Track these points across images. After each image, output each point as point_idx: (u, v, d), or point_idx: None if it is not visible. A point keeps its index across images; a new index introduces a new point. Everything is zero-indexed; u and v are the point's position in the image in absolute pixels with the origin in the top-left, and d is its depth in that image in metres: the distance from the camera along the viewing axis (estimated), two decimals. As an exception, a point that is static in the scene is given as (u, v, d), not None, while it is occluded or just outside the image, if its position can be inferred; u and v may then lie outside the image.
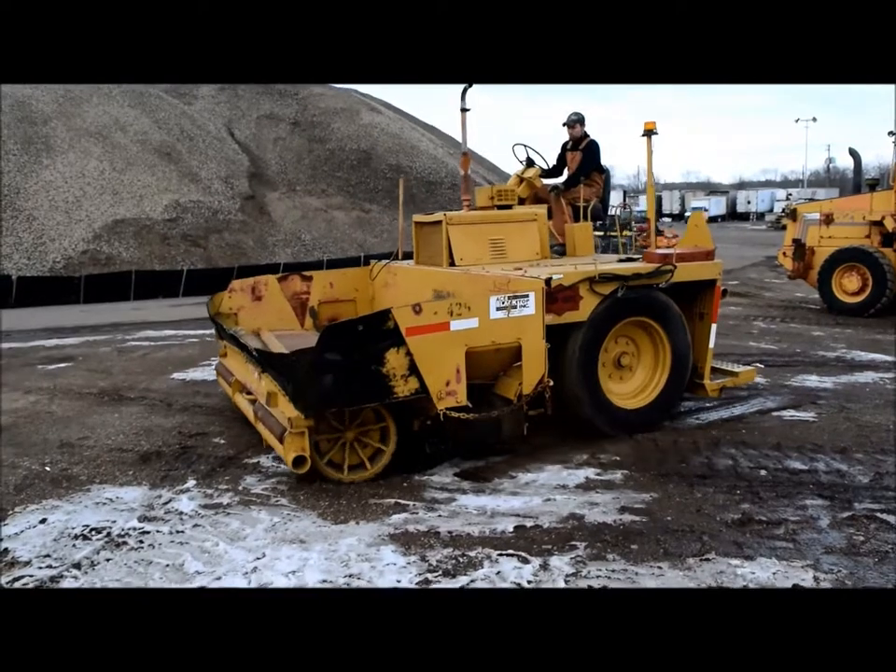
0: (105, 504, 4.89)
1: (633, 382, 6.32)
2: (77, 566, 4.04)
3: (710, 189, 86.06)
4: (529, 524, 4.45)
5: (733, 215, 70.08)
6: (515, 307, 5.34)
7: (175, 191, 24.63)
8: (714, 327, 6.50)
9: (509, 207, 7.13)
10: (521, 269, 6.08)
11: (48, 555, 4.18)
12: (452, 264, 6.60)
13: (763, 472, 5.23)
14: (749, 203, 70.44)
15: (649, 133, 6.64)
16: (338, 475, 5.16)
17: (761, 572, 3.79)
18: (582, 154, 7.68)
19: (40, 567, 4.04)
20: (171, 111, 28.63)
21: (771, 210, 64.74)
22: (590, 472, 5.30)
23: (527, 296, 5.38)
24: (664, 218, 63.16)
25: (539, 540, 4.22)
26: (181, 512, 4.71)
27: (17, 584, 3.84)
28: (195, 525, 4.52)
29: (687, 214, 68.21)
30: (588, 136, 7.74)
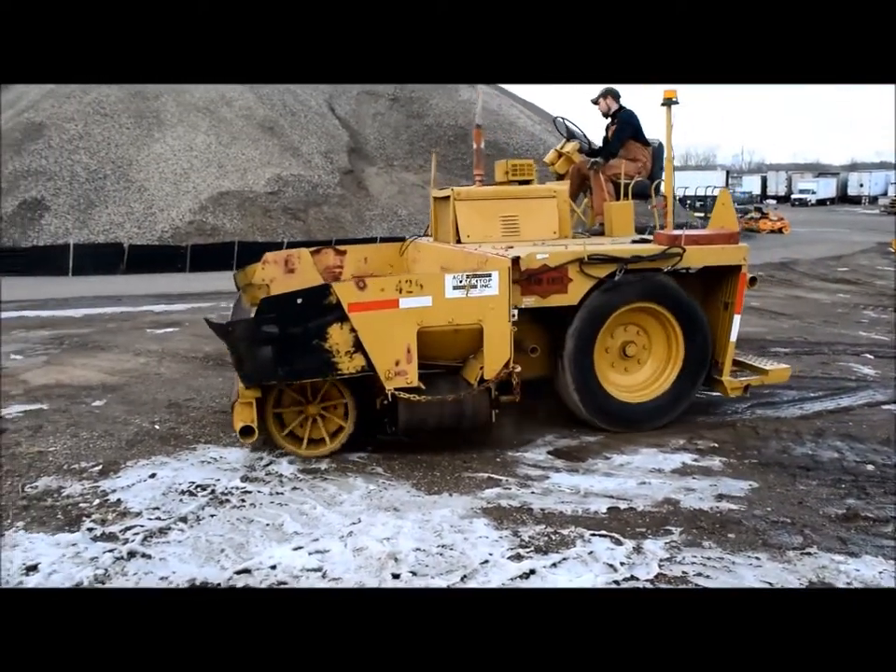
0: (209, 463, 5.11)
1: (641, 374, 5.90)
2: (184, 519, 4.24)
3: (819, 170, 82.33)
4: (623, 506, 4.41)
5: (843, 198, 66.90)
6: (475, 286, 5.05)
7: (277, 165, 25.20)
8: (738, 318, 5.85)
9: (526, 183, 6.75)
10: (511, 247, 5.72)
11: (156, 508, 4.41)
12: (459, 241, 6.32)
13: (870, 467, 5.01)
14: (861, 185, 67.07)
15: (668, 102, 6.19)
16: (296, 448, 5.19)
17: (866, 570, 3.65)
18: (616, 124, 7.06)
19: (150, 519, 4.26)
20: (275, 87, 29.23)
21: (885, 194, 61.51)
22: (686, 458, 5.20)
23: (490, 275, 5.09)
24: (768, 201, 60.79)
25: (633, 523, 4.18)
26: (281, 475, 4.88)
27: (128, 533, 4.06)
28: (294, 488, 4.67)
29: (794, 196, 65.69)
30: (622, 108, 7.08)
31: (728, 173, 64.39)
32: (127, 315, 12.18)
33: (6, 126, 25.30)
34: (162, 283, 17.36)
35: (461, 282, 5.03)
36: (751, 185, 69.23)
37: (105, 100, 25.69)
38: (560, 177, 7.23)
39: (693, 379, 5.83)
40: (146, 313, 12.39)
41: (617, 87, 7.04)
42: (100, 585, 3.58)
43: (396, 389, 5.00)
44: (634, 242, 6.00)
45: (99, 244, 21.22)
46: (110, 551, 3.87)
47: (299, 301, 4.90)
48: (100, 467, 5.07)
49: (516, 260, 5.21)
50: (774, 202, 61.41)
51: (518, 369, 5.22)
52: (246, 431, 4.92)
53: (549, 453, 5.30)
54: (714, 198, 42.78)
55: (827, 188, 65.77)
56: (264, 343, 4.85)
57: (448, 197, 6.46)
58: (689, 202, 41.91)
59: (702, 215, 36.65)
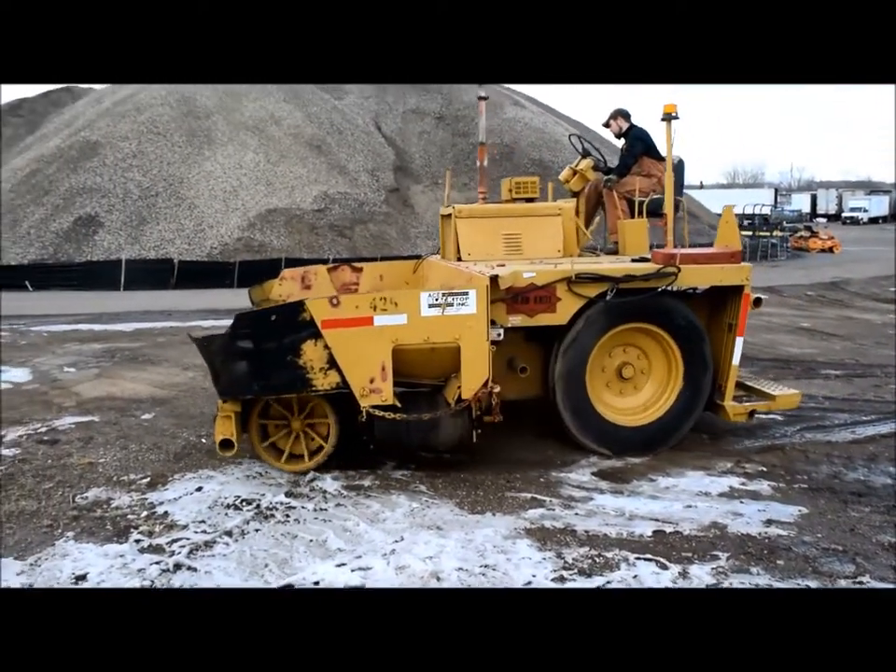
0: (254, 477, 5.16)
1: (639, 396, 5.73)
2: (229, 533, 4.29)
3: (871, 188, 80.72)
4: (669, 529, 4.34)
5: (896, 216, 65.46)
6: (451, 304, 4.96)
7: (324, 183, 25.56)
8: (740, 341, 5.61)
9: (531, 200, 6.63)
10: (502, 265, 5.64)
11: (202, 521, 4.47)
12: (460, 259, 6.22)
13: (926, 494, 4.87)
14: (915, 203, 65.61)
15: (668, 116, 6.04)
16: (276, 462, 5.20)
17: (922, 600, 3.54)
18: (627, 142, 6.96)
19: (196, 532, 4.31)
20: (322, 106, 29.72)
21: (940, 212, 60.06)
22: (734, 481, 5.11)
23: (467, 294, 4.99)
24: (818, 219, 59.74)
25: (679, 547, 4.11)
26: (325, 491, 4.91)
27: (175, 546, 4.12)
28: (337, 505, 4.69)
29: (845, 215, 64.48)
30: (633, 126, 6.98)
31: (776, 191, 63.57)
32: (176, 329, 12.41)
33: (63, 144, 26.09)
34: (211, 298, 17.65)
35: (437, 300, 4.96)
36: (801, 203, 68.21)
37: (158, 119, 26.36)
38: (575, 195, 7.16)
39: (693, 403, 5.65)
40: (195, 327, 12.61)
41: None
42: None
43: (371, 407, 4.97)
44: (634, 261, 5.87)
45: (150, 259, 21.74)
46: (157, 563, 3.93)
47: (273, 317, 4.95)
48: (148, 479, 5.16)
49: (494, 279, 5.12)
50: (824, 220, 60.40)
51: (497, 388, 5.11)
52: (225, 444, 4.98)
53: (593, 474, 5.25)
54: (762, 216, 42.39)
55: (879, 205, 64.48)
56: (239, 358, 4.91)
57: (450, 215, 6.45)
58: (736, 220, 41.38)
59: (749, 233, 36.27)
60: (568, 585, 3.69)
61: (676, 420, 5.65)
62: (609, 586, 3.67)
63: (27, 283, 20.42)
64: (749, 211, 42.11)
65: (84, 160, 24.87)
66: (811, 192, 75.68)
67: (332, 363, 4.87)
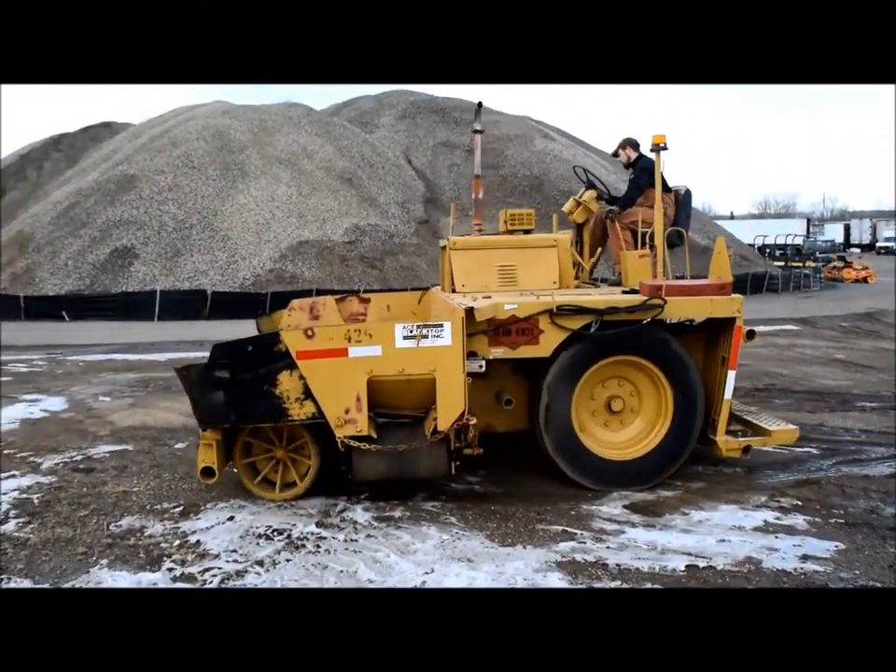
0: (285, 508, 5.19)
1: (629, 430, 5.61)
2: (261, 563, 4.31)
3: (907, 219, 79.67)
4: (702, 564, 4.28)
5: (933, 247, 64.47)
6: (426, 336, 4.98)
7: (355, 215, 25.84)
8: (732, 374, 5.48)
9: (527, 232, 6.65)
10: (488, 297, 5.63)
11: (234, 550, 4.50)
12: (454, 291, 6.23)
13: (968, 531, 4.76)
14: (952, 234, 64.59)
15: (657, 147, 6.03)
16: (270, 494, 5.29)
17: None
18: (634, 171, 6.95)
19: (227, 561, 4.34)
20: (354, 139, 30.15)
21: (978, 243, 59.15)
22: (768, 515, 5.03)
23: (441, 326, 5.01)
24: (852, 249, 59.09)
25: (713, 582, 4.05)
26: (355, 522, 4.92)
27: (207, 575, 4.15)
28: (368, 536, 4.69)
29: (879, 245, 63.70)
30: (642, 156, 6.96)
31: (809, 221, 63.05)
32: (209, 359, 12.52)
33: (101, 178, 26.69)
34: (243, 328, 17.73)
35: (412, 332, 4.99)
36: (834, 233, 67.64)
37: (193, 153, 26.90)
38: (579, 226, 7.16)
39: (684, 437, 5.51)
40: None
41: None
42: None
43: (346, 437, 5.00)
44: (625, 292, 5.83)
45: (184, 290, 22.05)
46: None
47: (249, 347, 5.03)
48: (181, 508, 5.21)
49: (470, 311, 5.12)
50: (858, 250, 59.72)
51: (474, 421, 5.09)
52: (207, 472, 5.08)
53: (625, 507, 5.20)
54: (795, 247, 42.03)
55: (915, 235, 63.55)
56: (217, 388, 5.01)
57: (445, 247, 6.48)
58: (768, 250, 41.13)
59: (782, 264, 35.97)
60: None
61: (669, 453, 5.53)
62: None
63: (64, 313, 20.83)
64: (780, 241, 41.84)
65: (121, 193, 25.41)
66: (844, 222, 75.02)
67: (308, 393, 4.96)
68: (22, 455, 6.58)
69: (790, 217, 73.28)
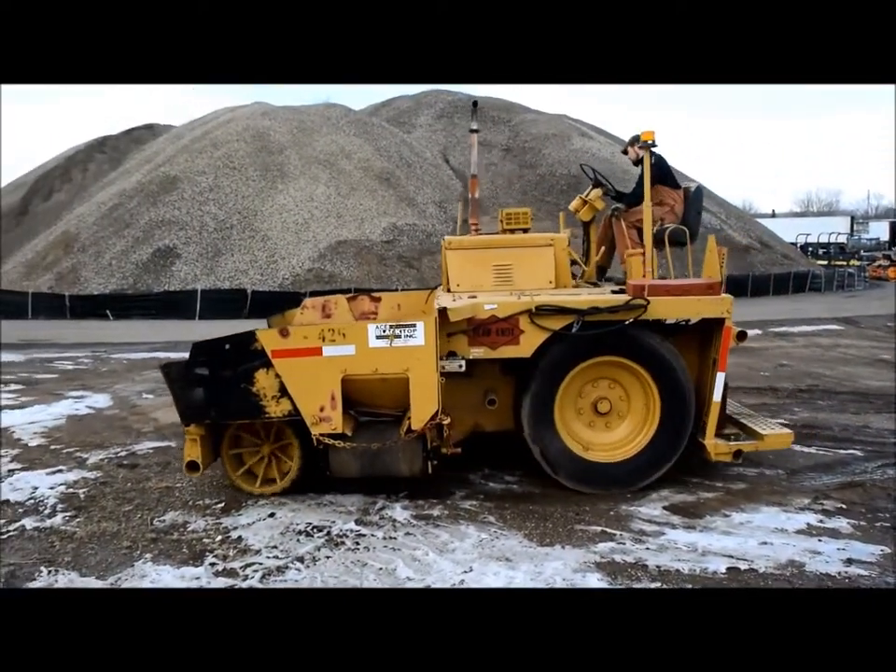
0: (325, 505, 5.24)
1: (617, 432, 5.50)
2: (301, 559, 4.36)
3: (955, 216, 77.75)
4: (743, 566, 4.23)
5: (982, 246, 62.82)
6: (399, 336, 4.99)
7: (393, 215, 25.97)
8: (721, 376, 5.33)
9: (524, 231, 6.55)
10: (474, 297, 5.59)
11: (275, 546, 4.55)
12: (450, 290, 6.18)
13: None
14: None
15: (646, 144, 5.90)
16: (251, 487, 5.41)
17: None
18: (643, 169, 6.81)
19: (268, 557, 4.39)
20: (392, 139, 30.30)
21: None
22: (811, 518, 4.95)
23: (414, 326, 5.02)
24: (898, 249, 57.73)
25: (754, 585, 4.00)
26: (394, 520, 4.95)
27: (248, 570, 4.21)
28: (407, 534, 4.72)
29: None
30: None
31: (853, 219, 61.83)
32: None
33: (144, 179, 27.17)
34: (282, 327, 17.95)
35: (384, 332, 5.02)
36: (879, 231, 66.12)
37: (233, 154, 27.26)
38: (585, 225, 7.09)
39: (673, 439, 5.39)
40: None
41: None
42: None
43: (321, 435, 5.07)
44: (614, 292, 5.75)
45: (224, 289, 22.39)
46: (231, 586, 4.01)
47: (227, 346, 5.12)
48: (223, 504, 5.29)
49: (443, 311, 5.10)
50: (902, 249, 58.33)
51: (448, 420, 5.09)
52: (191, 466, 5.20)
53: (664, 508, 5.16)
54: (838, 245, 41.24)
55: (963, 233, 61.97)
56: (197, 385, 5.11)
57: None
58: (811, 249, 40.44)
59: (825, 262, 35.34)
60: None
61: (658, 455, 5.42)
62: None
63: (108, 312, 21.27)
64: (823, 240, 41.10)
65: (163, 194, 25.85)
66: (890, 220, 73.33)
67: (284, 391, 5.05)
68: (69, 450, 6.73)
69: (833, 214, 72.01)
